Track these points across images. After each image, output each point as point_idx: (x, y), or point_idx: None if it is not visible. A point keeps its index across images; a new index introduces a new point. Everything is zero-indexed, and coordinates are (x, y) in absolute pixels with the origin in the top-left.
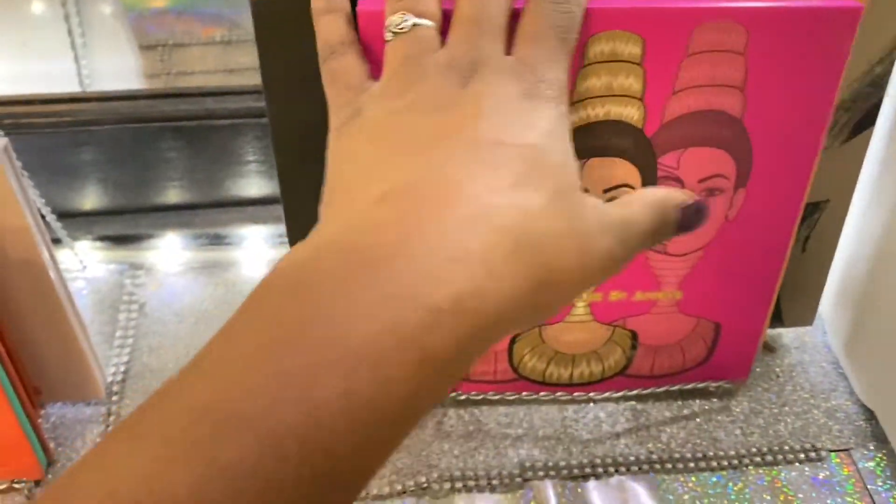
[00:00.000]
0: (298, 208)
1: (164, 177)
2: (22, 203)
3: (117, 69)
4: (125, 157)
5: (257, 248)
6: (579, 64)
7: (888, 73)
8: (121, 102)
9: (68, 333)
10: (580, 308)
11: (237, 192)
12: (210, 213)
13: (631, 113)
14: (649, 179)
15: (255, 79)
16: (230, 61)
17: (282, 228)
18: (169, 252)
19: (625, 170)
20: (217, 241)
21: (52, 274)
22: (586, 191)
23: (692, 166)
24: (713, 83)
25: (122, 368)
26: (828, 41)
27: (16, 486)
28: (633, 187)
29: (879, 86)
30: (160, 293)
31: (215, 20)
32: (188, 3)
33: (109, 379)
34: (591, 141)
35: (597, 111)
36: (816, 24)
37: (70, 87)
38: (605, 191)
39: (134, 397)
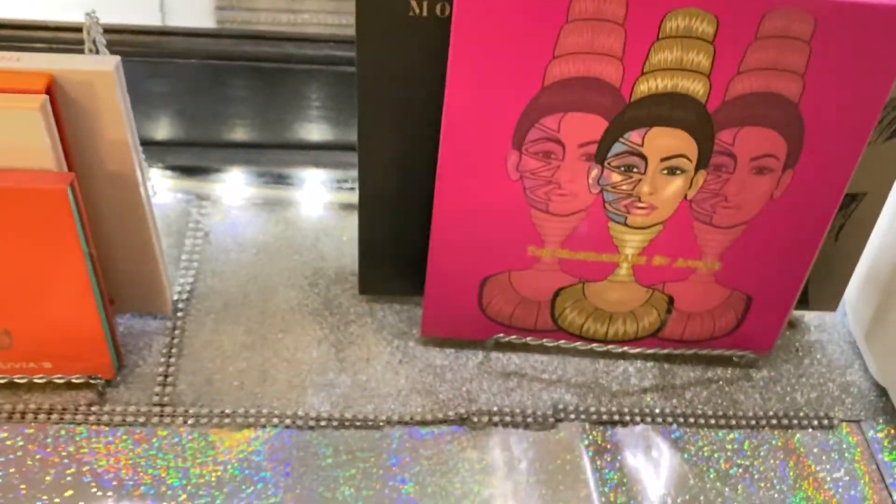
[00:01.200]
0: (373, 149)
1: (235, 114)
2: (125, 119)
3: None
4: (202, 91)
5: (316, 191)
6: (654, 37)
7: None
8: (203, 39)
9: (147, 250)
10: (623, 269)
11: (303, 135)
12: (275, 153)
13: (697, 88)
14: (706, 153)
15: (320, 28)
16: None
17: (341, 174)
18: (234, 186)
19: (684, 141)
20: (280, 180)
21: (142, 191)
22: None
23: (746, 144)
24: (776, 67)
25: (188, 288)
26: (888, 39)
27: (91, 381)
28: (689, 159)
29: None
30: (224, 224)
31: None
32: None
33: (175, 297)
34: (656, 110)
35: (665, 83)
36: (880, 22)
37: (152, 20)
38: (663, 159)
39: (197, 315)
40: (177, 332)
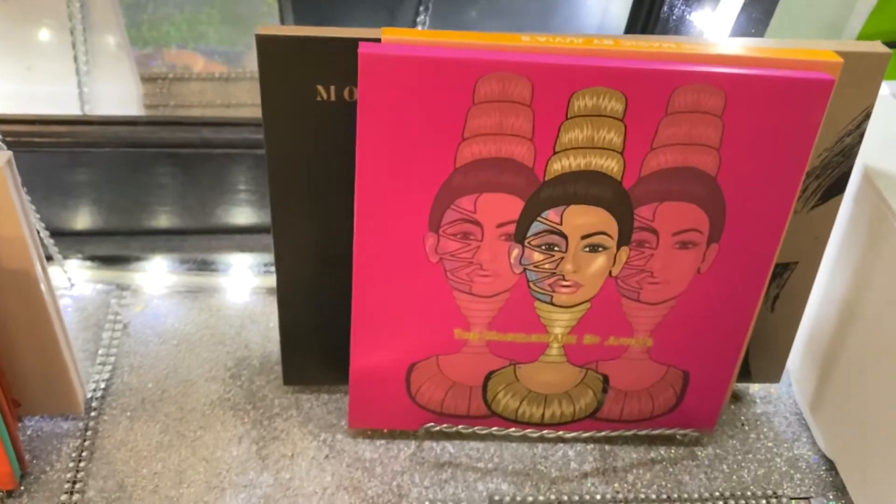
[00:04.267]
0: (287, 234)
1: (156, 201)
2: (20, 216)
3: (119, 97)
4: (121, 180)
5: (243, 276)
6: (563, 117)
7: (857, 144)
8: (120, 127)
9: (53, 348)
10: (554, 349)
11: (227, 219)
12: (199, 238)
13: (611, 165)
14: (626, 229)
15: (250, 113)
16: (228, 96)
17: (267, 257)
18: (156, 275)
19: (603, 218)
20: (204, 266)
21: (42, 287)
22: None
23: (667, 219)
24: (690, 142)
25: (103, 385)
26: (801, 109)
27: None
28: (610, 236)
29: (849, 156)
30: (145, 314)
31: (216, 56)
32: (190, 38)
33: (89, 395)
34: (572, 188)
35: (578, 161)
36: (791, 93)
37: (72, 110)
38: (584, 237)
39: (112, 414)
40: (89, 433)
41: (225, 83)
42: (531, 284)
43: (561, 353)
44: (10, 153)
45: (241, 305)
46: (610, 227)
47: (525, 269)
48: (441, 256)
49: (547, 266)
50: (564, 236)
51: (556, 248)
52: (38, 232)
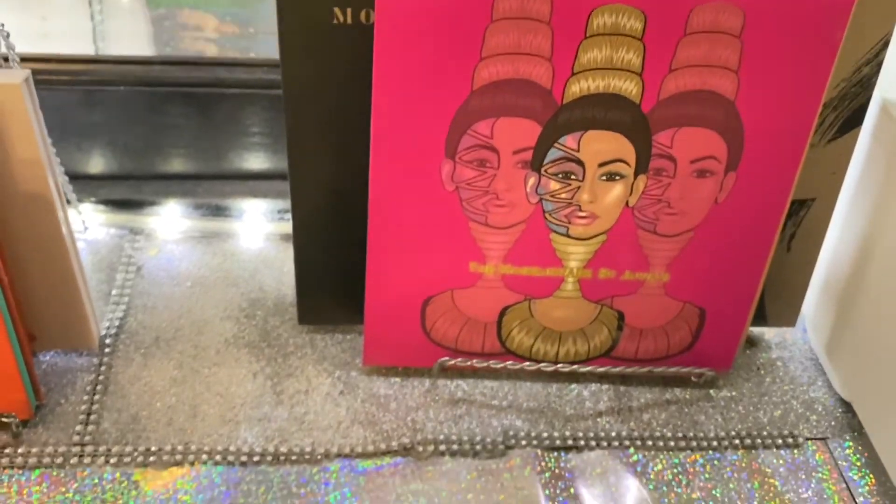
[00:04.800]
0: (303, 167)
1: (170, 143)
2: (38, 137)
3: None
4: (134, 120)
5: (256, 222)
6: (582, 35)
7: (875, 74)
8: (135, 66)
9: (69, 280)
10: (569, 284)
11: (241, 164)
12: (213, 183)
13: (629, 87)
14: (644, 156)
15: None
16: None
17: (282, 204)
18: (169, 220)
19: (621, 144)
20: (217, 212)
21: (59, 215)
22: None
23: (685, 146)
24: (709, 63)
25: (116, 324)
26: (820, 29)
27: (4, 419)
28: (628, 163)
29: (867, 86)
30: (158, 258)
31: (227, 17)
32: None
33: (103, 333)
34: (590, 112)
35: (597, 83)
36: (810, 12)
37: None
38: (601, 165)
39: (125, 351)
40: (103, 368)
41: (237, 39)
42: (547, 215)
43: (576, 289)
44: (28, 71)
45: (254, 250)
46: (628, 154)
47: (541, 199)
48: (457, 185)
49: (563, 196)
50: (581, 164)
51: (572, 177)
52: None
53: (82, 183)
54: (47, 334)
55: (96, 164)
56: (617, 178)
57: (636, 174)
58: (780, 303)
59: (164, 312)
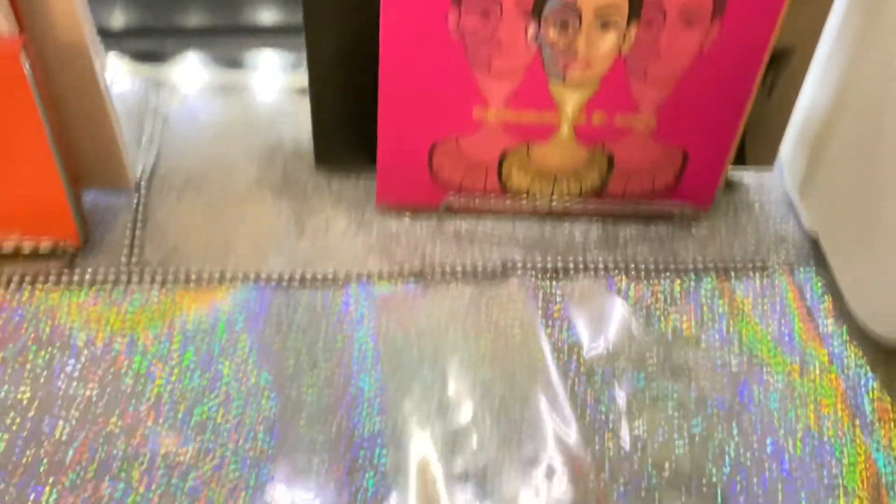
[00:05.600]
0: (320, 19)
1: None
2: None
3: None
4: None
5: (273, 74)
6: None
7: None
8: None
9: (105, 122)
10: (565, 130)
11: (255, 18)
12: (228, 37)
13: None
14: (636, 5)
15: None
16: None
17: (294, 57)
18: (189, 72)
19: None
20: (234, 64)
21: (96, 63)
22: None
23: None
24: None
25: (149, 168)
26: None
27: (60, 250)
28: (622, 13)
29: None
30: (181, 109)
31: None
32: None
33: (137, 175)
34: None
35: None
36: None
37: None
38: (597, 12)
39: (160, 191)
40: (140, 206)
41: None
42: (545, 62)
43: (571, 136)
44: None
45: (271, 102)
46: (622, 3)
47: (540, 47)
48: (462, 34)
49: (561, 43)
50: (578, 13)
51: (570, 25)
52: None
53: (103, 36)
54: (87, 175)
55: (118, 18)
56: (611, 26)
57: (628, 23)
58: (759, 145)
59: (192, 158)
